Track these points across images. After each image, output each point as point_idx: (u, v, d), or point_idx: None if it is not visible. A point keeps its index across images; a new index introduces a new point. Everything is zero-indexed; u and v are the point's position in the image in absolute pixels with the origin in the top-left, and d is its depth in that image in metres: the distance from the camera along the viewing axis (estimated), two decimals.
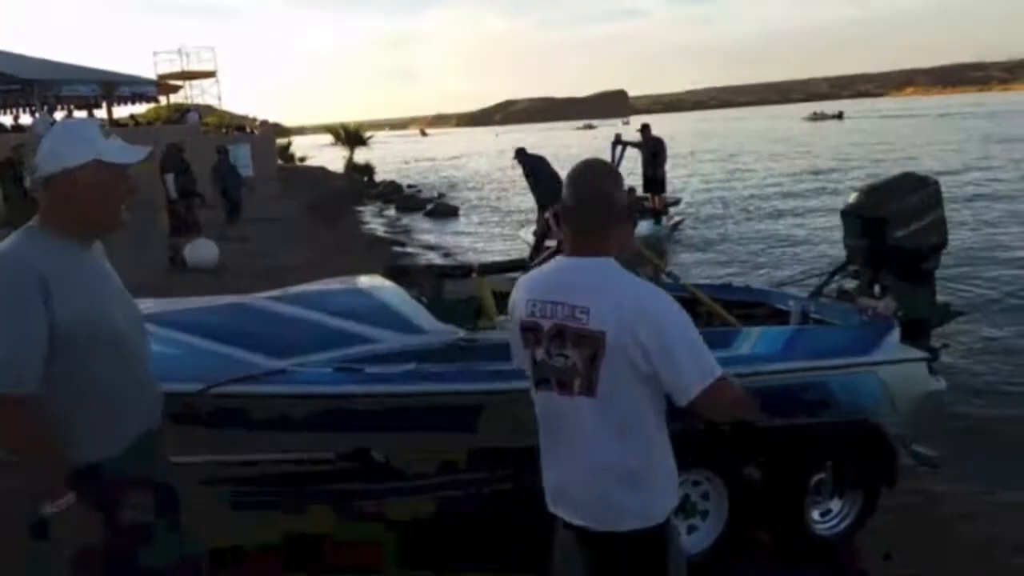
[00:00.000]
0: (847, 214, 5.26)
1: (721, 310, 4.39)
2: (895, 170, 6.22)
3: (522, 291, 2.22)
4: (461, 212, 20.91)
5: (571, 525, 2.17)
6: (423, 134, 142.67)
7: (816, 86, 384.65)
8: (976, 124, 52.51)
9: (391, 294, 4.00)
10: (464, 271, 5.28)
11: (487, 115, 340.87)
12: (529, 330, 2.15)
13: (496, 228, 17.31)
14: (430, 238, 16.56)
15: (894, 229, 4.99)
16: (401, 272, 4.62)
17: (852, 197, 5.29)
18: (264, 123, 30.67)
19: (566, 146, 51.57)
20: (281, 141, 40.84)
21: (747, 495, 3.91)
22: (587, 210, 2.09)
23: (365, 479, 3.71)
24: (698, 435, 3.81)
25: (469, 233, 17.25)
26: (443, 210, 20.81)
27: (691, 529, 3.86)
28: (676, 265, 12.71)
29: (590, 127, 66.74)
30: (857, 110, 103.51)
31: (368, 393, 3.36)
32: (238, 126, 29.42)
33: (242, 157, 19.58)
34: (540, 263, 5.26)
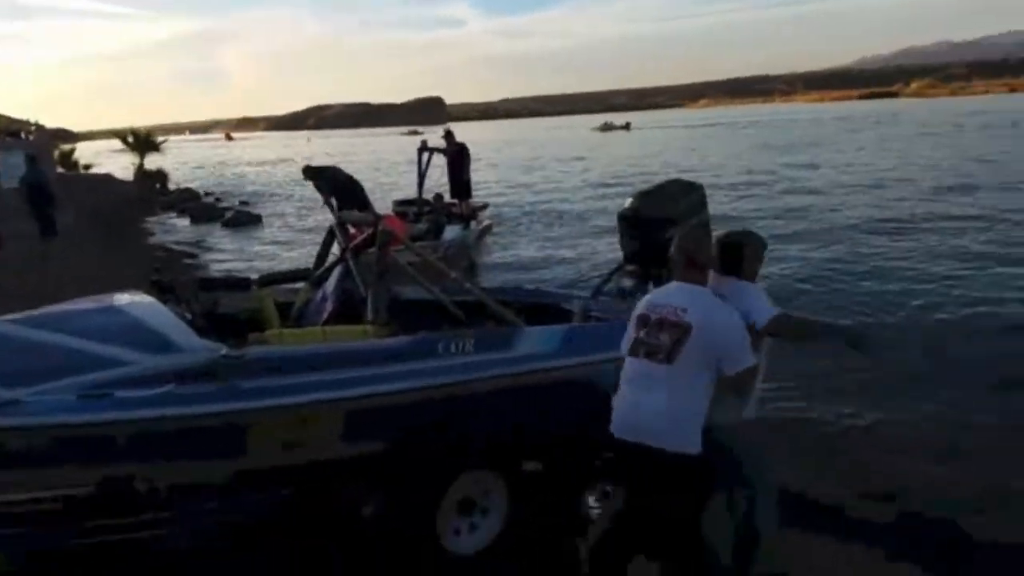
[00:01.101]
0: (623, 217, 5.52)
1: (506, 312, 4.46)
2: (665, 176, 6.62)
3: (646, 296, 3.50)
4: (265, 221, 20.00)
5: (640, 447, 3.13)
6: (228, 138, 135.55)
7: (618, 98, 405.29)
8: (757, 132, 57.50)
9: (148, 311, 3.71)
10: (243, 283, 5.03)
11: (299, 119, 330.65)
12: (641, 318, 3.33)
13: (306, 236, 16.65)
14: (228, 249, 15.70)
15: (663, 231, 5.29)
16: (167, 287, 4.29)
17: (627, 201, 5.56)
18: (40, 128, 27.92)
19: (395, 151, 51.20)
20: (65, 147, 37.41)
21: (527, 489, 4.00)
22: (693, 259, 3.35)
23: (128, 512, 3.40)
24: (478, 437, 3.88)
25: (272, 242, 16.51)
26: (244, 219, 19.80)
27: (472, 527, 3.90)
28: (486, 268, 12.97)
29: (416, 132, 66.63)
30: (648, 120, 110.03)
31: (115, 420, 3.08)
32: (11, 132, 26.59)
33: (13, 166, 17.63)
34: (326, 272, 5.13)
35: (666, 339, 3.18)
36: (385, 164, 42.71)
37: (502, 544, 3.91)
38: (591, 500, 4.28)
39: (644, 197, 5.53)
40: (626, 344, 3.37)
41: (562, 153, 45.92)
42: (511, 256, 13.96)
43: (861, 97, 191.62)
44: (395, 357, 3.72)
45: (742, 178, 24.71)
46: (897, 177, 21.93)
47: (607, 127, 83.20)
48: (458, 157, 14.56)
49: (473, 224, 14.68)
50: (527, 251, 14.37)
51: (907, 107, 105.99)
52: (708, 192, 5.55)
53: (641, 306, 3.41)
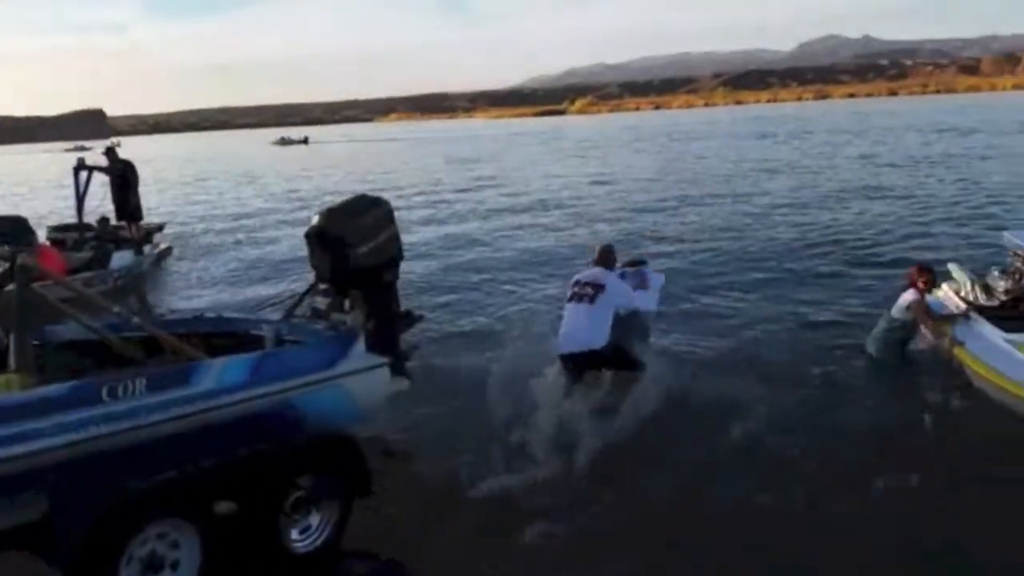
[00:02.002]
0: (311, 236, 5.36)
1: (182, 346, 4.09)
2: (345, 192, 6.55)
3: (578, 274, 6.57)
4: None
5: (575, 353, 6.11)
6: None
7: (312, 110, 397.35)
8: (441, 147, 59.64)
9: None
10: None
11: None
12: (575, 282, 6.42)
13: None
14: None
15: (354, 247, 5.22)
16: None
17: (314, 220, 5.41)
18: None
19: (54, 170, 45.18)
20: None
21: (221, 532, 3.70)
22: (604, 257, 6.64)
23: None
24: (157, 486, 3.53)
25: None
26: None
27: None
28: (166, 295, 11.87)
29: (83, 148, 59.60)
30: (332, 134, 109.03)
31: None
32: None
33: None
34: None
35: (590, 291, 6.20)
36: (41, 186, 37.79)
37: None
38: (294, 533, 4.05)
39: (331, 214, 5.41)
40: (567, 295, 6.40)
41: (240, 168, 44.07)
42: (195, 281, 12.98)
43: (536, 114, 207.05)
44: (46, 409, 3.23)
45: (420, 197, 23.94)
46: (570, 195, 23.42)
47: (285, 141, 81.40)
48: (124, 176, 13.25)
49: (148, 248, 13.45)
50: (212, 275, 13.44)
51: (573, 123, 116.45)
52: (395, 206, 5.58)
53: (575, 278, 6.47)
